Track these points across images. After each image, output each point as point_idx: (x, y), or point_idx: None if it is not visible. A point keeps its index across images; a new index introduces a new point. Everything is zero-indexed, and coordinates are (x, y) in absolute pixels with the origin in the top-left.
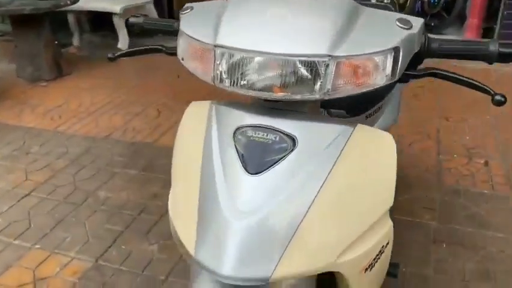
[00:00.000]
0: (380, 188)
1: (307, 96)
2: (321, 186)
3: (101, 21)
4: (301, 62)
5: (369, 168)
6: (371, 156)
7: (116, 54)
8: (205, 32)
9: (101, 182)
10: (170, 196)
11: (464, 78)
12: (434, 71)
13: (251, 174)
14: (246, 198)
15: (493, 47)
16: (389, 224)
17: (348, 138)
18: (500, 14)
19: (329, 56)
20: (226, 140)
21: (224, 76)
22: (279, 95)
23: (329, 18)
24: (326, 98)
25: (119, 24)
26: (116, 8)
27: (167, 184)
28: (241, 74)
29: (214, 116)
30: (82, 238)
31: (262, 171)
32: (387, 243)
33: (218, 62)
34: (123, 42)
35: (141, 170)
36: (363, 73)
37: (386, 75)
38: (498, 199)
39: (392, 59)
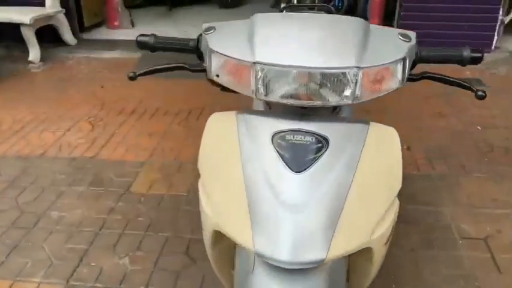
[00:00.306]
0: (393, 173)
1: (342, 102)
2: (353, 176)
3: (0, 32)
4: (333, 73)
5: (384, 157)
6: (384, 147)
7: (137, 74)
8: (242, 51)
9: (50, 202)
10: (205, 203)
11: (452, 79)
12: (428, 74)
13: (295, 172)
14: (294, 193)
15: (466, 53)
16: (397, 202)
17: (367, 134)
18: (396, 15)
19: (357, 67)
20: (264, 145)
21: (263, 89)
22: (317, 103)
23: (350, 35)
24: (355, 102)
25: (28, 35)
26: (25, 19)
27: (121, 198)
28: (279, 86)
29: (244, 124)
30: (45, 261)
31: (305, 169)
32: (395, 220)
33: (258, 77)
34: (35, 54)
35: (89, 185)
36: (382, 80)
37: (398, 80)
38: (424, 178)
39: (401, 67)
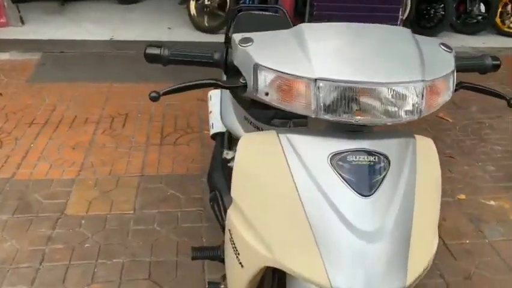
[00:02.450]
0: (439, 184)
1: (408, 118)
2: (415, 194)
3: None
4: (399, 88)
5: (432, 170)
6: (430, 159)
7: (161, 93)
8: (298, 66)
9: None
10: (249, 236)
11: (487, 89)
12: (465, 84)
13: (364, 196)
14: (367, 219)
15: (488, 61)
16: None
17: (416, 148)
18: (308, 8)
19: (422, 80)
20: (322, 168)
21: (325, 107)
22: (388, 120)
23: (407, 47)
24: (417, 117)
25: None
26: None
27: (58, 223)
28: (341, 103)
29: (291, 146)
30: None
31: (374, 192)
32: None
33: (321, 94)
34: None
35: (14, 212)
36: (439, 92)
37: (449, 93)
38: None
39: (452, 79)
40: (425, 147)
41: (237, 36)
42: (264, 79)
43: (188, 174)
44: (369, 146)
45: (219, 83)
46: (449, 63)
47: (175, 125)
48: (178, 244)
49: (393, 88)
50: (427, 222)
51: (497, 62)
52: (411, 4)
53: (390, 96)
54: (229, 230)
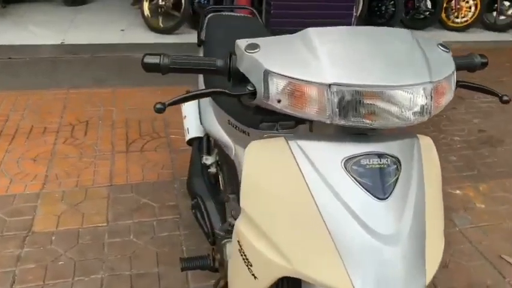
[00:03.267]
0: (440, 182)
1: (419, 119)
2: (425, 194)
3: None
4: (411, 90)
5: (434, 168)
6: (432, 158)
7: (167, 104)
8: (311, 71)
9: None
10: (262, 247)
11: (481, 86)
12: (462, 83)
13: (381, 199)
14: (386, 222)
15: (477, 59)
16: None
17: (420, 148)
18: (264, 6)
19: (430, 82)
20: (336, 172)
21: (338, 111)
22: (399, 122)
23: (412, 48)
24: (427, 118)
25: None
26: None
27: (26, 241)
28: (357, 107)
29: (301, 152)
30: None
31: (389, 194)
32: None
33: (335, 100)
34: None
35: None
36: (444, 92)
37: (452, 92)
38: None
39: (453, 78)
40: (427, 146)
41: (241, 43)
42: (276, 86)
43: (159, 181)
44: (380, 148)
45: (226, 91)
46: (450, 63)
47: (139, 130)
48: (157, 255)
49: (405, 90)
50: (437, 222)
51: (485, 60)
52: (363, 1)
53: (401, 99)
54: (238, 241)
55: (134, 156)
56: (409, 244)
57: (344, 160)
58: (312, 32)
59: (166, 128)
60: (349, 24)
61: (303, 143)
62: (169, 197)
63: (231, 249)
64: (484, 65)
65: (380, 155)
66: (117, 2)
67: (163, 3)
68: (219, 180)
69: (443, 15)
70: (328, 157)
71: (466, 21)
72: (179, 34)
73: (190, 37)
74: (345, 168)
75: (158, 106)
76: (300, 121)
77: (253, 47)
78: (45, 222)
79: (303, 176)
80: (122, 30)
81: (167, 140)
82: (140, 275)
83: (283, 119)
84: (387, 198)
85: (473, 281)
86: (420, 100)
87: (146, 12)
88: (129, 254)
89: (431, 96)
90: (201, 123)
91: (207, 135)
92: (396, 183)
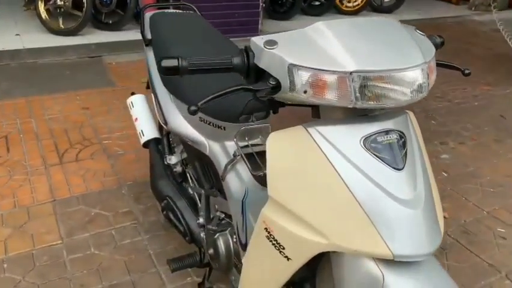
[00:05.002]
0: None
1: (421, 96)
2: (425, 162)
3: None
4: (414, 71)
5: (420, 137)
6: (418, 130)
7: (201, 104)
8: (332, 62)
9: None
10: (297, 229)
11: (445, 62)
12: (436, 61)
13: (399, 170)
14: (407, 189)
15: (437, 40)
16: None
17: (412, 121)
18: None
19: (425, 62)
20: (357, 151)
21: (359, 96)
22: (408, 100)
23: (404, 34)
24: (425, 95)
25: None
26: None
27: None
28: (375, 91)
29: (322, 137)
30: None
31: (404, 165)
32: None
33: (357, 86)
34: None
35: None
36: (432, 71)
37: (435, 70)
38: None
39: (435, 59)
40: (414, 119)
41: (258, 40)
42: (301, 78)
43: (106, 189)
44: (389, 125)
45: (251, 87)
46: (430, 46)
47: (68, 140)
48: (125, 263)
49: (411, 71)
50: (436, 187)
51: (442, 40)
52: None
53: (408, 79)
54: (265, 228)
55: (71, 167)
56: (426, 208)
57: (363, 139)
58: (322, 25)
59: (96, 134)
60: (257, 14)
61: (322, 129)
62: (120, 204)
63: (252, 240)
64: (442, 44)
65: (390, 131)
66: (5, 6)
67: (62, 3)
68: (186, 178)
69: (337, 1)
70: (347, 138)
71: (358, 5)
72: (84, 35)
73: (96, 37)
74: (364, 146)
75: (193, 108)
76: (274, 111)
77: (272, 43)
78: None
79: (327, 158)
80: (18, 34)
81: (102, 146)
82: (113, 285)
83: (259, 110)
84: (403, 168)
85: None
86: (421, 79)
87: (43, 14)
88: (95, 267)
89: (428, 75)
90: (164, 124)
91: (167, 135)
92: (406, 154)
